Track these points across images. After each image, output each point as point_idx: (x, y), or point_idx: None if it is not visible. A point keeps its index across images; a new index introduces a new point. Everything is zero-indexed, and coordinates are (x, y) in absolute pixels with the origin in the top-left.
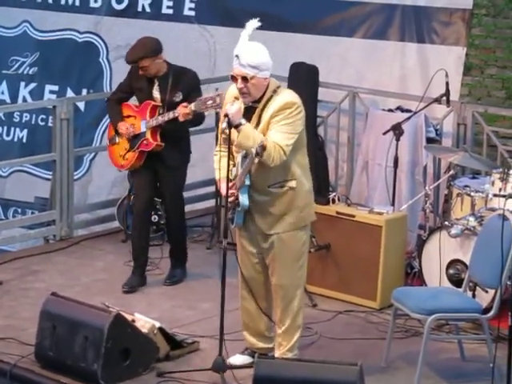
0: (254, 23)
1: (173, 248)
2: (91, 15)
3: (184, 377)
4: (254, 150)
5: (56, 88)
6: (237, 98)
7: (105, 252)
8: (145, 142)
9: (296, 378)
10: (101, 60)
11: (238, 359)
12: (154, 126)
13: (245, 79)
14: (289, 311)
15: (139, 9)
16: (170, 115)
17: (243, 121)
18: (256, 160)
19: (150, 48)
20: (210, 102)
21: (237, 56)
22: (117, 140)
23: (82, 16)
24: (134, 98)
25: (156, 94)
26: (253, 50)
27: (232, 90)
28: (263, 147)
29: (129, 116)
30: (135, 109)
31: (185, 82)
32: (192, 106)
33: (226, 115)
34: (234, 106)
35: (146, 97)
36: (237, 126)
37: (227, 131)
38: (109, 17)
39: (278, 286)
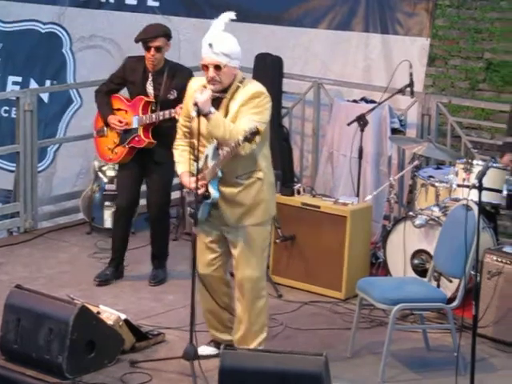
0: (229, 14)
1: (156, 248)
2: (55, 6)
3: (151, 367)
4: (241, 138)
5: (19, 79)
6: (204, 87)
7: (69, 244)
8: (136, 138)
9: (262, 369)
10: (64, 51)
11: (203, 350)
12: (147, 123)
13: (217, 68)
14: (256, 303)
15: (103, 0)
16: (166, 114)
17: (213, 109)
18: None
19: (168, 30)
20: None
21: (210, 44)
22: (105, 132)
23: (46, 7)
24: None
25: (150, 89)
26: (225, 38)
27: (195, 83)
28: (257, 131)
29: (119, 109)
30: (127, 103)
31: (180, 80)
32: None
33: (196, 104)
34: (203, 95)
35: (139, 91)
36: (206, 115)
37: (196, 120)
38: (72, 7)
39: (246, 278)
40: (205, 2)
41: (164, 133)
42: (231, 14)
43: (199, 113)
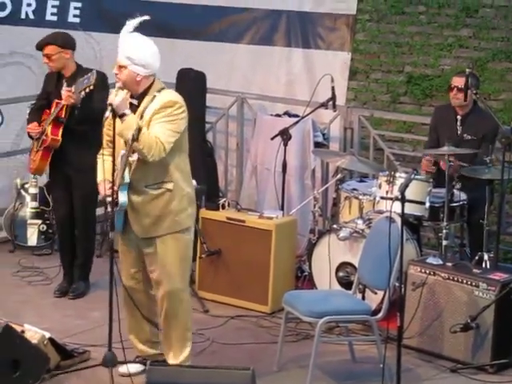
0: (143, 17)
1: (81, 261)
2: None
3: None
4: (130, 136)
5: None
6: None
7: None
8: (44, 137)
9: None
10: None
11: (129, 368)
12: (54, 122)
13: (120, 66)
14: (177, 316)
15: (23, 16)
16: (60, 104)
17: (128, 111)
18: (133, 148)
19: (61, 39)
20: (85, 81)
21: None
22: (33, 145)
23: None
24: None
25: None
26: (132, 41)
27: None
28: (139, 129)
29: (44, 120)
30: (48, 112)
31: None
32: (73, 88)
33: (110, 104)
34: (118, 96)
35: (57, 98)
36: (121, 116)
37: (111, 121)
38: None
39: (163, 291)
40: (125, 18)
41: (80, 136)
42: (145, 17)
43: (114, 113)
